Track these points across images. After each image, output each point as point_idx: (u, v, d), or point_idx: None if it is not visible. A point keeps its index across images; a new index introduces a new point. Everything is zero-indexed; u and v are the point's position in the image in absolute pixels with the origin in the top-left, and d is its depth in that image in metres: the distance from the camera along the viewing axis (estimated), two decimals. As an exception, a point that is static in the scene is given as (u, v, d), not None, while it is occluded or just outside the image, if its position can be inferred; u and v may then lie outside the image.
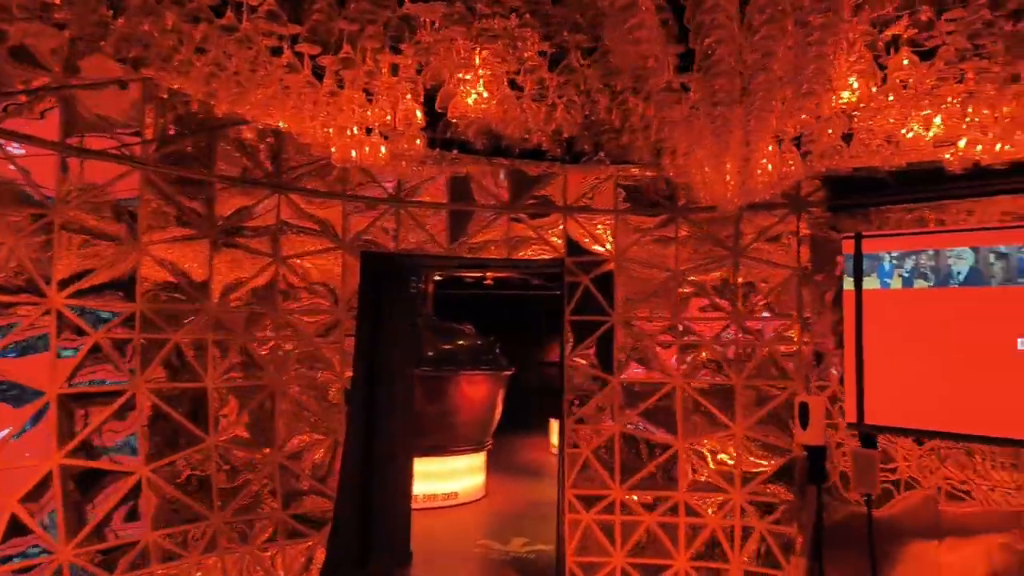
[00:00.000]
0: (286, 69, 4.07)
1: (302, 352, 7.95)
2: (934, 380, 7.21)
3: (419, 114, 4.84)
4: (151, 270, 6.89)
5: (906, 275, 7.45)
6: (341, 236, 8.09)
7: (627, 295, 8.71)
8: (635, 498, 8.59)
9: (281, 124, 4.89)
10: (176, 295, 7.09)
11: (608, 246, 8.73)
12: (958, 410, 7.02)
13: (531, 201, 8.72)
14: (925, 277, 7.32)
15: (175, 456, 7.01)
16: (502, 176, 8.63)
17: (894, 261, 7.51)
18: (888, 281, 7.56)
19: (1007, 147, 5.31)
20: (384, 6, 3.51)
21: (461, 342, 14.27)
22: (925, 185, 7.09)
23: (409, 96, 4.65)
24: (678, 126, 4.20)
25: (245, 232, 7.55)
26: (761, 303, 8.41)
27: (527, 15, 3.81)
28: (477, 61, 4.42)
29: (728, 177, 5.15)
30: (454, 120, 5.01)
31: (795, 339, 8.24)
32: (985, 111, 5.09)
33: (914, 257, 7.40)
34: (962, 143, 5.41)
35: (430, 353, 13.08)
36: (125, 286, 6.75)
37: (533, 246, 8.80)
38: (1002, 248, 6.90)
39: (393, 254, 8.37)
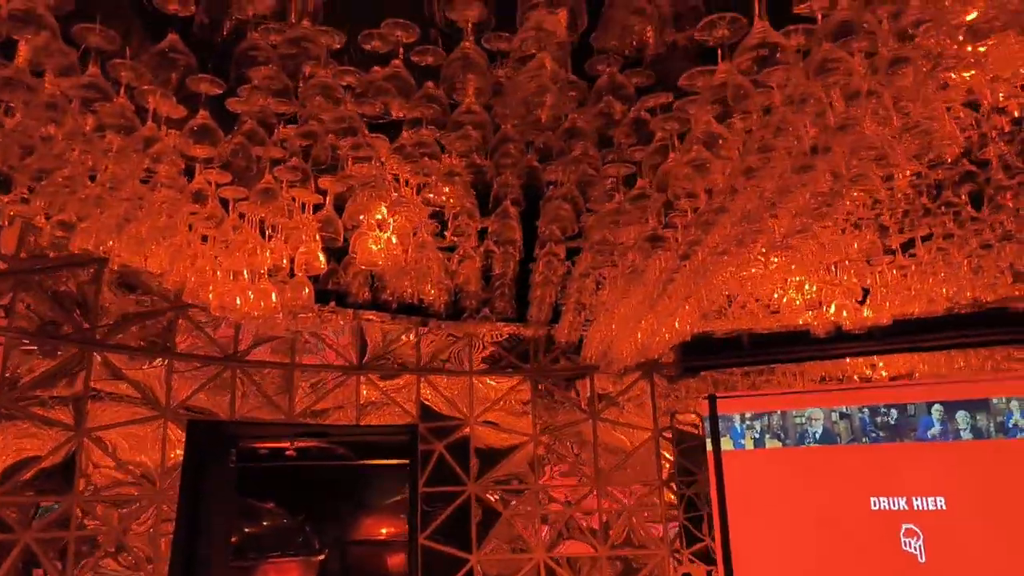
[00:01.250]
0: (192, 198, 3.38)
1: (105, 547, 6.36)
2: (797, 542, 7.31)
3: (322, 258, 4.26)
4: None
5: (757, 436, 7.71)
6: (164, 402, 6.84)
7: (484, 462, 8.16)
8: None
9: (152, 266, 4.04)
10: (-63, 481, 5.44)
11: (465, 410, 8.22)
12: (822, 572, 7.12)
13: (384, 361, 8.08)
14: (778, 437, 7.61)
15: None
16: (351, 332, 7.97)
17: (746, 422, 7.77)
18: (741, 442, 7.77)
19: (869, 312, 5.77)
20: (342, 131, 3.04)
21: (267, 523, 12.59)
22: (773, 347, 7.52)
23: (318, 237, 4.08)
24: (627, 277, 4.02)
25: (42, 400, 6.12)
26: (621, 466, 8.24)
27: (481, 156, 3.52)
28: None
29: (640, 335, 5.03)
30: (363, 267, 4.47)
31: (658, 504, 8.10)
32: (854, 280, 5.54)
33: (765, 418, 7.71)
34: (832, 308, 5.80)
35: (232, 539, 11.30)
36: None
37: (384, 410, 8.07)
38: (844, 408, 7.40)
39: (226, 422, 7.21)
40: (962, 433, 6.81)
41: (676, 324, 5.03)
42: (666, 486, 8.14)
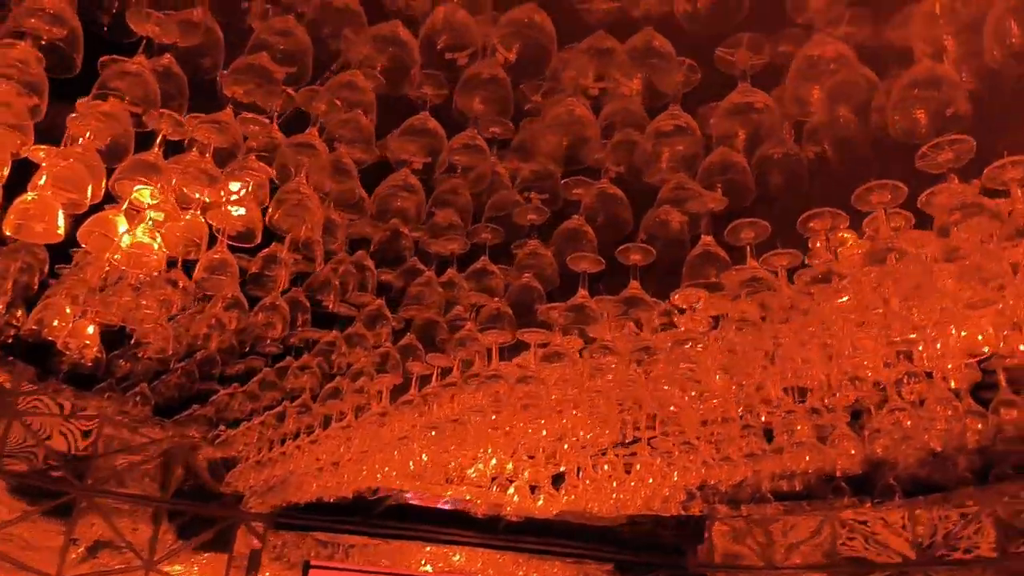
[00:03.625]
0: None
1: None
2: None
3: (61, 223, 2.67)
4: None
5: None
6: None
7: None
8: None
9: None
10: None
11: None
12: None
13: None
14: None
15: None
16: None
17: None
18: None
19: (539, 502, 5.75)
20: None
21: None
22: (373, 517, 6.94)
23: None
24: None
25: None
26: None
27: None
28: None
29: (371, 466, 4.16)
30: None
31: None
32: (542, 468, 5.53)
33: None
34: (510, 490, 5.65)
35: None
36: None
37: None
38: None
39: None
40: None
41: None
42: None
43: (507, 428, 3.76)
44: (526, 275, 2.99)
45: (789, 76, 1.81)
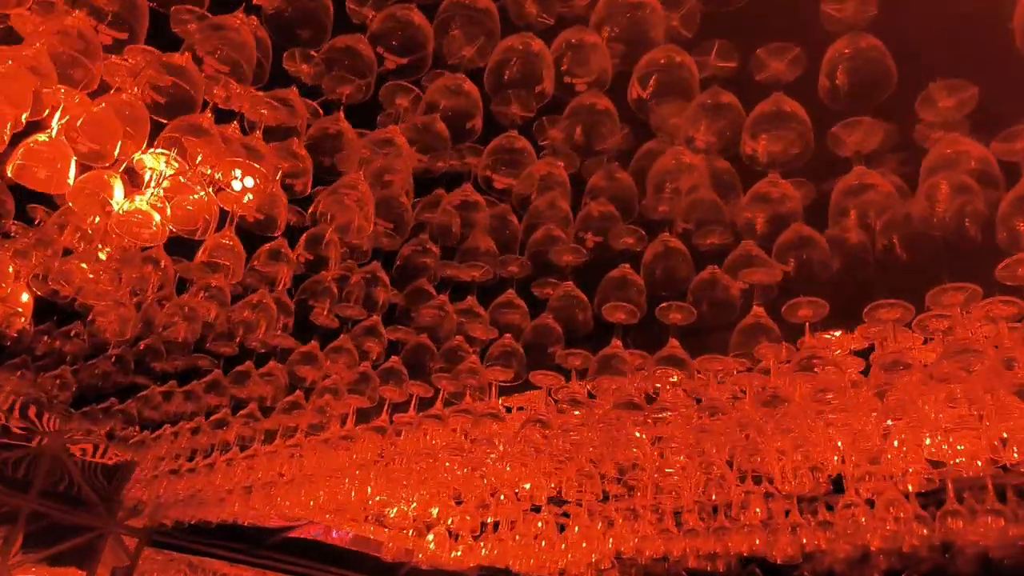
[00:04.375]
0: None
1: None
2: None
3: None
4: None
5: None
6: None
7: None
8: None
9: None
10: None
11: None
12: None
13: None
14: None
15: None
16: None
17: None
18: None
19: (456, 553, 5.51)
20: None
21: None
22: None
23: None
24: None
25: None
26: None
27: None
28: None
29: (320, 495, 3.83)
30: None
31: None
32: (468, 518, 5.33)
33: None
34: (430, 536, 5.38)
35: None
36: None
37: None
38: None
39: None
40: None
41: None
42: None
43: (481, 471, 3.57)
44: (548, 316, 2.90)
45: (923, 167, 1.86)
